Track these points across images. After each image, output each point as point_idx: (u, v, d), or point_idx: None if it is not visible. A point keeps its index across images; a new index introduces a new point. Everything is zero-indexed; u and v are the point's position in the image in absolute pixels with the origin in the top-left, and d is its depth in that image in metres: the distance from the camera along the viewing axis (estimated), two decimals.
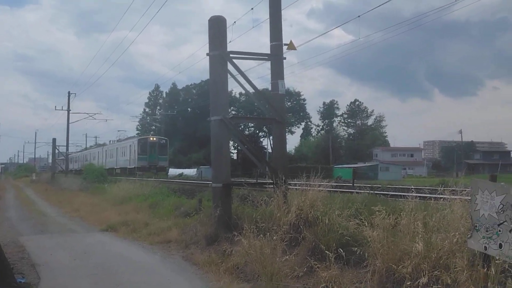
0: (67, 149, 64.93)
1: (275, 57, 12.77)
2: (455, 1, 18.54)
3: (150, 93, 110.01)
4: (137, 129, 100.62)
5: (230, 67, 12.29)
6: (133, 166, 55.28)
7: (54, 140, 68.61)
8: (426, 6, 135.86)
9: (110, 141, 76.53)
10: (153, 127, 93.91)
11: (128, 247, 12.77)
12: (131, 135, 75.39)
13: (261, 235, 8.84)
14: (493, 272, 5.27)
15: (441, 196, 7.70)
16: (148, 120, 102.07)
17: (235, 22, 18.90)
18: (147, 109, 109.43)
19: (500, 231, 5.39)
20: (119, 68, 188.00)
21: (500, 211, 5.39)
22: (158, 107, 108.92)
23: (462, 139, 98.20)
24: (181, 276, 9.41)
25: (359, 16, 23.03)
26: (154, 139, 59.00)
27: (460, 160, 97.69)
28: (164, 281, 9.05)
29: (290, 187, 11.62)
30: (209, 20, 12.21)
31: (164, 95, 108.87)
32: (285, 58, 12.88)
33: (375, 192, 13.32)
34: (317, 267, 7.70)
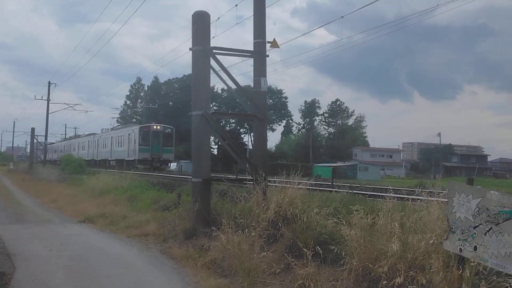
0: (46, 139, 64.05)
1: (258, 54, 12.78)
2: (437, 6, 18.73)
3: (131, 86, 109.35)
4: (117, 122, 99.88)
5: (213, 62, 12.29)
6: (132, 159, 49.19)
7: (32, 129, 67.53)
8: (409, 9, 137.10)
9: (103, 129, 69.90)
10: (134, 120, 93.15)
11: (105, 240, 12.69)
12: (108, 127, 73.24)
13: (240, 231, 8.87)
14: (468, 274, 5.36)
15: (418, 197, 7.81)
16: (129, 113, 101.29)
17: (219, 18, 18.89)
18: (128, 102, 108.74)
19: (475, 233, 5.49)
20: (101, 60, 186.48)
21: (476, 214, 5.49)
22: (139, 100, 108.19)
23: (440, 141, 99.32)
24: (158, 269, 9.39)
25: (342, 17, 23.31)
26: (159, 127, 51.31)
27: (438, 162, 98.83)
28: (141, 274, 9.02)
29: (270, 184, 11.66)
30: (193, 15, 12.17)
31: (146, 88, 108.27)
32: (268, 56, 12.92)
33: (354, 191, 13.43)
34: (295, 264, 7.73)
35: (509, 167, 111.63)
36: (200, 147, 12.23)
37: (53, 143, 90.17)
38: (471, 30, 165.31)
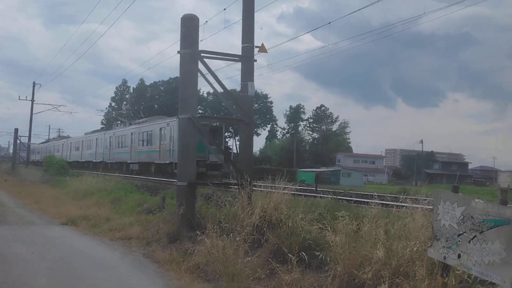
0: (29, 139, 63.36)
1: (246, 58, 12.80)
2: (424, 14, 18.93)
3: (117, 88, 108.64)
4: (102, 123, 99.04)
5: (200, 66, 12.26)
6: (167, 162, 34.61)
7: (16, 130, 66.82)
8: (394, 17, 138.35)
9: (117, 123, 60.24)
10: (118, 122, 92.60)
11: (88, 242, 12.57)
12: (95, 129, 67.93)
13: (224, 236, 8.86)
14: (452, 282, 5.41)
15: (403, 204, 7.87)
16: (114, 115, 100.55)
17: (207, 21, 18.88)
18: (113, 104, 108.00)
19: (459, 241, 5.53)
20: (87, 61, 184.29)
21: (460, 222, 5.53)
22: (124, 102, 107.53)
23: (422, 148, 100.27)
24: (141, 273, 9.33)
25: (329, 23, 23.31)
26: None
27: (419, 169, 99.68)
28: (124, 278, 8.95)
29: (255, 188, 11.66)
30: (181, 18, 12.16)
31: (131, 90, 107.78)
32: (256, 61, 12.93)
33: (338, 197, 13.48)
34: (279, 269, 7.74)
35: (489, 175, 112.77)
36: (186, 150, 12.19)
37: (49, 141, 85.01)
38: (455, 38, 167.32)
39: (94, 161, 52.53)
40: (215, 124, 33.78)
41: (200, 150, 30.77)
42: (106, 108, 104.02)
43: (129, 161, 42.32)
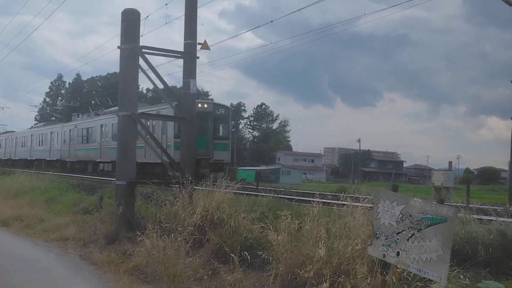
0: None
1: (189, 55, 12.65)
2: (364, 15, 19.39)
3: (52, 83, 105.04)
4: (36, 119, 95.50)
5: (141, 61, 12.02)
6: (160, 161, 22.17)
7: None
8: (334, 17, 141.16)
9: (75, 115, 51.38)
10: (53, 119, 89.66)
11: (20, 244, 12.09)
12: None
13: (165, 236, 8.69)
14: (392, 279, 5.51)
15: (343, 202, 7.96)
16: (48, 111, 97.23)
17: (147, 16, 18.53)
18: (47, 99, 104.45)
19: (398, 239, 5.64)
20: (19, 54, 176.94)
21: (399, 220, 5.64)
22: (60, 98, 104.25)
23: (360, 147, 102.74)
24: (78, 275, 9.04)
25: (272, 21, 23.52)
26: (206, 106, 28.86)
27: (357, 167, 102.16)
28: (59, 281, 8.65)
29: (197, 187, 11.54)
30: (122, 12, 11.87)
31: (67, 85, 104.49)
32: (198, 57, 12.79)
33: (280, 196, 13.54)
34: (221, 269, 7.68)
35: (423, 173, 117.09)
36: (126, 149, 11.92)
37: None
38: (393, 39, 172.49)
39: (48, 159, 45.27)
40: (219, 112, 28.88)
41: (202, 146, 25.38)
42: (40, 104, 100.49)
43: (98, 160, 35.09)
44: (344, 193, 8.96)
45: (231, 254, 7.60)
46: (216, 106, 29.82)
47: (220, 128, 29.60)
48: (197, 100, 22.14)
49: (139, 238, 9.19)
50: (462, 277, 5.56)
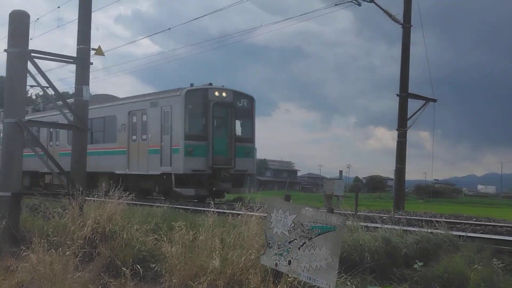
0: None
1: (82, 61, 12.17)
2: (260, 26, 19.85)
3: None
4: None
5: (30, 66, 11.42)
6: (166, 171, 20.63)
7: None
8: (232, 27, 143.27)
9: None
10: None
11: None
12: None
13: (53, 250, 8.25)
14: None
15: (238, 212, 8.05)
16: None
17: (38, 18, 17.68)
18: None
19: (290, 248, 5.81)
20: None
21: (291, 229, 5.82)
22: None
23: (256, 156, 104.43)
24: None
25: (169, 29, 23.35)
26: (224, 94, 21.57)
27: (253, 176, 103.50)
28: None
29: (88, 198, 11.12)
30: (10, 14, 11.23)
31: None
32: (92, 63, 12.36)
33: (175, 206, 13.39)
34: (112, 284, 7.44)
35: (316, 182, 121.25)
36: (11, 158, 11.20)
37: None
38: (288, 51, 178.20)
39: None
40: (241, 104, 22.12)
41: (220, 152, 20.77)
42: None
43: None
44: (240, 203, 9.06)
45: (123, 268, 7.39)
46: (238, 95, 22.51)
47: (243, 126, 22.98)
48: (213, 87, 20.77)
49: (24, 253, 8.65)
50: (349, 284, 5.81)
